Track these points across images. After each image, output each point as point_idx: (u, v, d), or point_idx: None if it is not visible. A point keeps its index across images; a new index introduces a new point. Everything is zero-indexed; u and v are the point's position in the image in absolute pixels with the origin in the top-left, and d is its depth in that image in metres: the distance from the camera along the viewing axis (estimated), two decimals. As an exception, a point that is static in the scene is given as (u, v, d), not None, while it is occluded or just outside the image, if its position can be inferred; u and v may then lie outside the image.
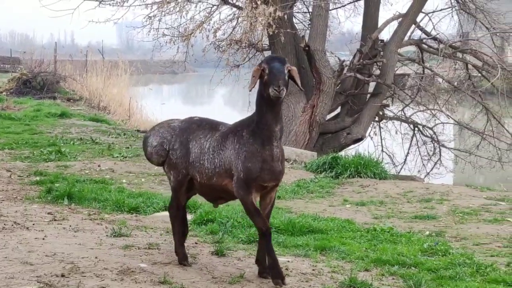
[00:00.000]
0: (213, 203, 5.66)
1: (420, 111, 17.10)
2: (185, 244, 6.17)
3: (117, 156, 12.49)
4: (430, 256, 6.31)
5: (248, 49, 16.30)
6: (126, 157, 12.47)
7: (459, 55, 16.58)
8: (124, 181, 10.18)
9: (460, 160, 16.84)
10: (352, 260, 6.07)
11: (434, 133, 16.65)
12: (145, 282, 4.87)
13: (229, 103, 39.03)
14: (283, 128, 5.21)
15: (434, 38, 16.03)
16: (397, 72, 16.88)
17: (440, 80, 17.96)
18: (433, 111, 16.67)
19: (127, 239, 6.27)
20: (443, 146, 16.79)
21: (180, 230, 5.59)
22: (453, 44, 16.13)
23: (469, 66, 16.68)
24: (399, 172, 16.18)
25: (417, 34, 16.76)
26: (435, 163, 16.55)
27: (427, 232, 7.63)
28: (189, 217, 7.42)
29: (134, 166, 11.62)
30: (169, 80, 52.02)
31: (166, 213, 7.71)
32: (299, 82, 5.05)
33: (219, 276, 5.19)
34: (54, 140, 14.06)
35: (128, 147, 13.82)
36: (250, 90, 5.03)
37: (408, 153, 16.84)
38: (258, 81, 4.94)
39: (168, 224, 7.08)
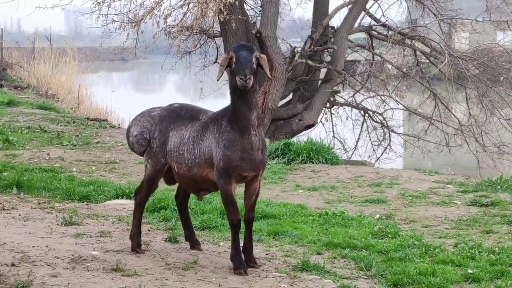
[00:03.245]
0: (196, 194, 5.55)
1: (370, 97, 17.29)
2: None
3: (67, 145, 12.31)
4: (380, 239, 6.43)
5: (200, 36, 16.17)
6: (76, 146, 12.30)
7: (408, 41, 16.78)
8: (74, 169, 10.04)
9: (409, 145, 17.12)
10: (304, 244, 6.14)
11: (384, 118, 16.87)
12: (97, 270, 4.83)
13: (181, 90, 38.75)
14: (260, 115, 5.19)
15: (384, 25, 16.20)
16: (348, 58, 17.00)
17: (389, 66, 18.18)
18: (383, 97, 16.87)
19: (79, 227, 6.19)
20: (393, 131, 17.03)
21: (140, 218, 5.56)
22: (402, 31, 16.34)
23: (418, 52, 16.92)
24: (350, 158, 16.37)
25: (367, 21, 16.91)
26: (385, 148, 16.78)
27: (378, 216, 7.77)
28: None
29: (84, 154, 11.47)
30: (119, 67, 51.33)
31: (118, 201, 7.69)
32: (267, 71, 5.02)
33: (173, 262, 5.18)
34: (1, 128, 13.75)
35: (78, 135, 13.62)
36: (217, 80, 5.03)
37: (358, 138, 17.02)
38: (228, 70, 4.89)
39: (120, 212, 7.04)
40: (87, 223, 6.44)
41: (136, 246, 5.44)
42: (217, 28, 15.27)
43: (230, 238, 6.02)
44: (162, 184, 9.06)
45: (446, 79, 16.10)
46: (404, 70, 17.51)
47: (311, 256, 5.65)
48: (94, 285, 4.48)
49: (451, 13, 16.93)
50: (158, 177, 5.40)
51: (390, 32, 15.62)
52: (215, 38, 16.31)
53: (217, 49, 16.61)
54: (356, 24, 15.95)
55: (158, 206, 7.17)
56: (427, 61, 17.28)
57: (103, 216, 6.86)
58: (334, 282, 4.93)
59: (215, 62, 16.67)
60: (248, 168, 4.93)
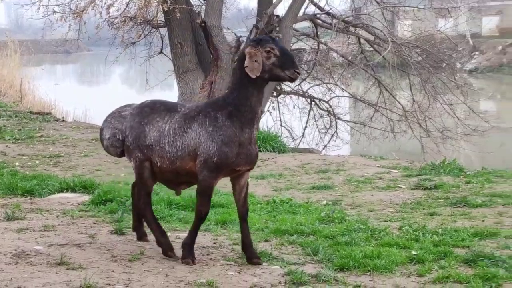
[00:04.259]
0: (175, 189, 5.37)
1: (317, 85, 17.42)
2: (83, 225, 6.07)
3: (9, 139, 12.02)
4: (327, 224, 6.50)
5: (144, 26, 15.95)
6: (18, 140, 12.02)
7: (352, 29, 16.95)
8: (17, 164, 9.82)
9: (355, 132, 17.33)
10: (252, 231, 6.11)
11: (330, 106, 17.02)
12: (41, 264, 4.73)
13: (126, 82, 38.31)
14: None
15: (328, 13, 16.29)
16: (293, 47, 17.06)
17: (334, 54, 18.33)
18: (328, 85, 17.02)
19: (22, 222, 6.06)
20: (339, 118, 17.20)
21: (154, 217, 5.34)
22: (346, 19, 16.46)
23: (362, 40, 17.10)
24: (297, 146, 16.48)
25: (311, 9, 16.99)
26: (332, 136, 16.93)
27: (324, 201, 7.85)
28: (87, 197, 7.28)
29: (27, 148, 11.23)
30: (62, 59, 50.32)
31: (63, 195, 7.55)
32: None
33: (119, 254, 5.12)
34: None
35: (20, 129, 13.32)
36: (255, 77, 4.71)
37: (306, 126, 17.13)
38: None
39: (64, 206, 6.92)
40: (30, 217, 6.30)
41: (169, 249, 5.14)
42: (161, 18, 15.08)
43: (177, 228, 6.04)
44: (108, 177, 8.96)
45: (389, 66, 16.31)
46: (349, 58, 17.70)
47: (259, 243, 5.66)
48: (38, 279, 4.39)
49: (394, 1, 17.17)
50: (145, 172, 5.14)
51: (334, 21, 15.71)
52: (160, 28, 16.12)
53: (162, 40, 16.44)
54: (300, 13, 15.99)
55: (104, 198, 7.07)
56: (371, 48, 17.48)
57: (47, 210, 6.72)
58: (281, 268, 4.95)
59: (160, 52, 16.52)
60: (243, 163, 4.88)
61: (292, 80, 4.91)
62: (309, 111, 17.24)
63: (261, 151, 11.65)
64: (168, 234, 5.82)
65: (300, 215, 6.92)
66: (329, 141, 16.97)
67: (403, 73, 16.86)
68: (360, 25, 16.68)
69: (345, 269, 4.93)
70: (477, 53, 42.46)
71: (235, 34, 16.62)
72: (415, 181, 9.05)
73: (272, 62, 4.74)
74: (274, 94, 16.81)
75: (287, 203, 7.51)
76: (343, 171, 9.98)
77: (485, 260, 4.99)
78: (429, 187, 8.57)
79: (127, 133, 5.19)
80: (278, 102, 17.24)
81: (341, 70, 17.98)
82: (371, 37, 16.88)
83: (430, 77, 16.25)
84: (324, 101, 17.07)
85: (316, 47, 17.12)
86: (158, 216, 6.47)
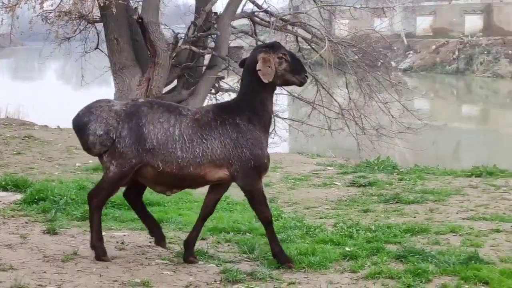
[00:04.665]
0: (164, 192, 5.17)
1: (255, 83, 17.46)
2: (14, 225, 5.93)
3: None
4: (264, 222, 6.52)
5: (79, 21, 15.63)
6: None
7: (290, 28, 17.07)
8: None
9: (293, 130, 17.47)
10: (189, 230, 6.10)
11: (269, 104, 17.10)
12: (-32, 266, 4.60)
13: (62, 77, 37.52)
14: None
15: (266, 11, 16.36)
16: (232, 44, 17.06)
17: (273, 52, 18.40)
18: (266, 82, 17.08)
19: (-51, 223, 5.86)
20: (277, 116, 17.24)
21: (99, 223, 5.04)
22: (284, 17, 16.57)
23: (299, 38, 17.24)
24: (237, 143, 16.46)
25: (250, 7, 17.02)
26: (270, 133, 17.00)
27: (262, 199, 7.87)
28: (19, 196, 7.10)
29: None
30: (-5, 54, 48.91)
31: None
32: None
33: (51, 254, 5.03)
34: None
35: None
36: (268, 81, 4.81)
37: (244, 124, 17.15)
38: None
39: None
40: (-41, 218, 6.10)
41: (102, 254, 4.96)
42: (97, 13, 14.83)
43: (112, 227, 5.97)
44: (41, 175, 8.76)
45: (326, 64, 16.49)
46: (288, 56, 17.80)
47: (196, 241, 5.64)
48: (-34, 282, 4.27)
49: (331, 0, 17.37)
50: (123, 180, 4.92)
51: (272, 19, 15.79)
52: (96, 24, 15.83)
53: (98, 35, 16.15)
54: (238, 10, 16.00)
55: (36, 197, 6.89)
56: (309, 47, 17.65)
57: (-23, 211, 6.52)
58: (217, 266, 4.96)
59: (96, 48, 16.24)
60: (268, 166, 4.98)
61: (301, 84, 5.09)
62: (248, 109, 17.24)
63: (199, 149, 11.62)
64: (103, 233, 5.76)
65: (237, 213, 6.95)
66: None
67: (339, 71, 17.08)
68: (298, 24, 16.81)
69: (280, 267, 4.96)
70: (411, 52, 43.48)
71: (173, 31, 16.47)
72: (350, 178, 9.20)
73: (283, 68, 4.90)
74: (213, 91, 16.78)
75: (224, 201, 7.48)
76: (280, 169, 10.06)
77: (416, 255, 5.12)
78: (363, 184, 8.73)
79: (123, 134, 4.82)
80: (216, 99, 17.21)
81: (279, 67, 18.05)
82: (309, 36, 17.03)
83: (366, 76, 16.51)
84: (262, 98, 17.10)
85: (255, 45, 17.16)
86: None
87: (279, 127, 17.69)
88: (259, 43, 17.19)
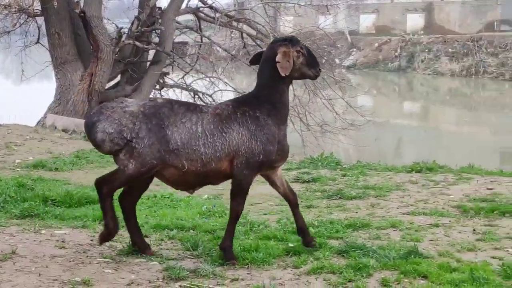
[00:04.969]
0: (187, 191, 5.20)
1: (200, 78, 17.43)
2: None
3: None
4: (208, 218, 6.53)
5: (19, 14, 15.32)
6: None
7: (235, 24, 17.09)
8: None
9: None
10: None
11: (214, 100, 17.07)
12: None
13: (1, 72, 36.57)
14: None
15: (211, 7, 16.35)
16: (176, 40, 16.98)
17: (218, 48, 18.41)
18: (212, 79, 17.06)
19: None
20: (223, 112, 17.29)
21: (113, 207, 5.02)
22: (229, 13, 16.59)
23: (244, 35, 17.28)
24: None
25: (195, 2, 16.98)
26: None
27: (206, 196, 7.87)
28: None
29: None
30: None
31: None
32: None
33: (-12, 254, 4.89)
34: None
35: None
36: (285, 74, 4.91)
37: (189, 120, 17.08)
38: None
39: None
40: None
41: (109, 236, 5.04)
42: (37, 6, 14.56)
43: (53, 225, 5.86)
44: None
45: (271, 61, 16.53)
46: (233, 52, 17.82)
47: (138, 239, 5.58)
48: None
49: (275, -3, 17.46)
50: (138, 179, 4.89)
51: (217, 14, 15.80)
52: (36, 17, 15.52)
53: (39, 29, 15.83)
54: (183, 6, 15.95)
55: (-26, 195, 6.71)
56: (254, 43, 17.70)
57: None
58: (160, 263, 4.92)
59: (37, 42, 15.91)
60: (279, 159, 5.08)
61: (316, 77, 5.21)
62: (193, 105, 17.17)
63: (142, 145, 11.51)
64: (43, 231, 5.67)
65: (181, 210, 6.91)
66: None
67: (284, 68, 17.21)
68: (243, 20, 16.86)
69: (224, 263, 4.96)
70: (354, 49, 44.07)
71: (116, 26, 16.32)
72: (295, 174, 9.26)
73: (301, 61, 5.03)
74: (157, 87, 16.65)
75: (168, 197, 7.46)
76: (225, 165, 10.03)
77: (357, 250, 5.18)
78: (307, 180, 8.80)
79: (141, 135, 4.76)
80: (161, 95, 17.08)
81: (224, 64, 18.08)
82: (254, 32, 17.10)
83: (310, 72, 16.67)
84: (207, 94, 17.09)
85: (199, 41, 17.12)
86: (32, 214, 6.28)
87: (224, 123, 17.72)
88: (204, 39, 17.21)
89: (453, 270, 4.76)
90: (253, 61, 5.32)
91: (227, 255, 5.00)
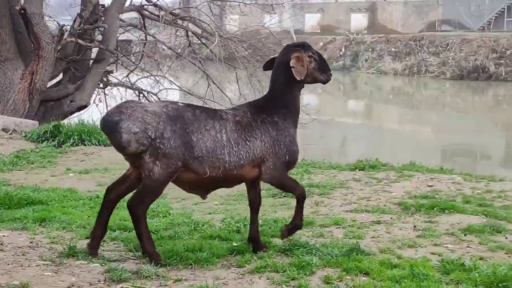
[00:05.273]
0: (202, 195, 5.19)
1: (145, 77, 17.29)
2: None
3: None
4: (152, 218, 6.46)
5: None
6: None
7: (180, 22, 17.00)
8: None
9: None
10: (73, 229, 5.96)
11: (159, 99, 16.94)
12: None
13: None
14: None
15: (155, 5, 16.22)
16: (120, 38, 16.79)
17: (163, 46, 18.29)
18: (157, 77, 16.94)
19: None
20: (169, 111, 17.17)
21: (149, 231, 4.97)
22: (174, 11, 16.49)
23: (190, 33, 17.21)
24: (125, 138, 16.22)
25: (139, 0, 16.80)
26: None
27: (150, 196, 7.78)
28: None
29: None
30: None
31: None
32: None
33: None
34: None
35: None
36: (300, 79, 5.06)
37: (134, 118, 16.89)
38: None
39: None
40: None
41: (159, 259, 4.88)
42: (-25, 3, 14.13)
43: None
44: None
45: (217, 59, 16.57)
46: (178, 50, 17.73)
47: (80, 241, 5.50)
48: None
49: (221, -4, 17.45)
50: (168, 181, 4.84)
51: (162, 13, 15.68)
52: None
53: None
54: (127, 3, 15.78)
55: None
56: (199, 42, 17.66)
57: None
58: (101, 265, 4.83)
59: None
60: (297, 160, 5.26)
61: (327, 81, 5.32)
62: (137, 103, 17.00)
63: (85, 145, 11.34)
64: (-20, 234, 5.51)
65: (124, 210, 6.79)
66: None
67: (230, 66, 17.22)
68: (188, 18, 16.78)
69: (167, 264, 4.92)
70: (300, 48, 44.37)
71: (58, 23, 16.00)
72: (240, 173, 9.25)
73: (313, 66, 5.20)
74: (101, 85, 16.42)
75: (111, 198, 7.35)
76: (169, 164, 9.96)
77: (300, 248, 5.21)
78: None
79: (166, 136, 4.69)
80: (105, 94, 16.87)
81: (169, 62, 17.97)
82: (199, 31, 17.05)
83: (256, 71, 16.74)
84: (152, 93, 16.97)
85: (144, 39, 16.97)
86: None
87: (170, 122, 17.60)
88: (149, 37, 17.04)
89: (394, 266, 4.84)
90: (266, 67, 5.43)
91: (296, 228, 5.32)
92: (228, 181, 5.04)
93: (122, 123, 4.67)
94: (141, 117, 4.70)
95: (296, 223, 5.32)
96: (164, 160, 4.71)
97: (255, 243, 5.28)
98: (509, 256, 5.24)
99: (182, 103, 5.08)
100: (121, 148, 4.74)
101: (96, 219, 5.11)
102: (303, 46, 5.20)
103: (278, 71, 5.17)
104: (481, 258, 5.11)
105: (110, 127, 4.74)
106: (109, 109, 4.97)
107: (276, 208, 7.19)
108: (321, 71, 5.26)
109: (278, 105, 5.12)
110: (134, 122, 4.67)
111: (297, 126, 5.28)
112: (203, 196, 5.24)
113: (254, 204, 5.35)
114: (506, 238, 5.77)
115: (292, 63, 5.06)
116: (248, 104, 5.25)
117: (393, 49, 39.30)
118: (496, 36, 37.46)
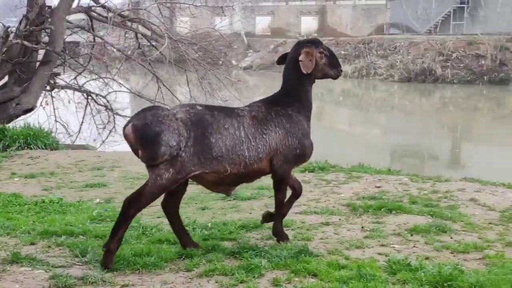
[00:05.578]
0: (226, 192, 5.34)
1: (93, 79, 17.02)
2: None
3: None
4: (98, 223, 6.38)
5: None
6: None
7: (129, 24, 16.81)
8: None
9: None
10: (17, 235, 5.83)
11: (108, 101, 16.74)
12: None
13: None
14: None
15: (103, 6, 15.99)
16: (68, 40, 16.50)
17: (113, 49, 18.06)
18: (106, 79, 16.71)
19: None
20: (117, 114, 16.98)
21: (124, 232, 4.98)
22: (122, 13, 16.29)
23: (139, 35, 17.03)
24: (74, 142, 15.99)
25: (87, 1, 16.55)
26: (110, 131, 16.67)
27: (97, 200, 7.69)
28: None
29: None
30: None
31: None
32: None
33: None
34: None
35: None
36: (306, 72, 5.27)
37: (82, 122, 16.66)
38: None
39: None
40: None
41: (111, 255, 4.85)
42: None
43: None
44: None
45: (167, 62, 16.46)
46: (128, 52, 17.54)
47: (24, 247, 5.38)
48: None
49: (171, -3, 17.33)
50: (172, 187, 4.91)
51: (110, 14, 15.45)
52: None
53: None
54: (74, 4, 15.51)
55: None
56: (149, 44, 17.49)
57: None
58: (46, 272, 4.74)
59: None
60: (310, 154, 5.37)
61: (337, 77, 5.52)
62: (86, 106, 16.79)
63: (31, 149, 11.12)
64: None
65: (71, 215, 6.71)
66: (107, 137, 16.68)
67: (180, 69, 17.11)
68: (137, 20, 16.60)
69: (114, 269, 4.84)
70: (251, 51, 44.51)
71: (3, 24, 15.62)
72: (190, 176, 9.19)
73: (323, 62, 5.41)
74: (48, 88, 16.10)
75: (57, 203, 7.23)
76: (118, 168, 9.85)
77: (249, 251, 5.20)
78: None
79: (189, 144, 4.78)
80: (52, 96, 16.55)
81: (118, 64, 17.76)
82: (149, 33, 16.88)
83: (207, 74, 16.68)
84: (101, 96, 16.73)
85: (92, 41, 16.71)
86: None
87: (120, 125, 17.37)
88: (97, 39, 16.79)
89: (342, 267, 4.88)
90: (279, 62, 5.62)
91: (281, 237, 5.51)
92: (249, 176, 5.19)
93: (163, 135, 4.67)
94: (177, 129, 4.74)
95: (275, 230, 5.55)
96: (178, 168, 4.77)
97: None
98: (454, 256, 5.34)
99: (200, 105, 5.15)
100: (153, 159, 4.72)
101: (174, 231, 5.36)
102: (314, 43, 5.44)
103: (289, 66, 5.41)
104: (427, 258, 5.19)
105: (150, 138, 4.66)
106: (141, 115, 4.76)
107: (226, 210, 7.18)
108: (331, 67, 5.46)
109: (291, 99, 5.32)
110: (172, 135, 4.70)
111: (309, 121, 5.41)
112: (228, 193, 5.42)
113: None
114: (451, 237, 5.88)
115: (301, 57, 5.29)
116: (262, 100, 5.43)
117: (342, 52, 39.76)
118: (442, 39, 38.26)
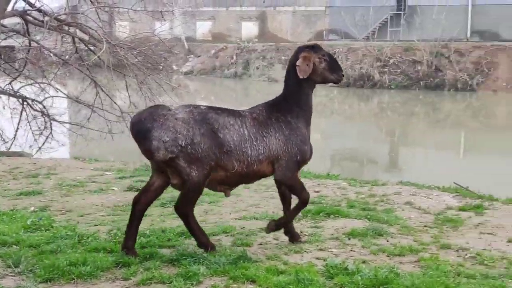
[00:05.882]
0: (225, 192, 5.49)
1: (29, 84, 16.62)
2: None
3: None
4: (33, 232, 6.22)
5: None
6: None
7: (66, 28, 16.48)
8: None
9: (72, 133, 16.91)
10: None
11: (44, 107, 16.37)
12: None
13: None
14: None
15: (39, 10, 15.63)
16: (2, 44, 16.08)
17: (50, 53, 17.67)
18: (42, 85, 16.33)
19: None
20: (54, 119, 16.63)
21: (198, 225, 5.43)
22: (59, 17, 15.96)
23: (77, 39, 16.73)
24: (9, 149, 15.58)
25: (22, 5, 16.15)
26: (47, 138, 16.31)
27: (32, 208, 7.50)
28: None
29: None
30: None
31: None
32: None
33: None
34: None
35: None
36: (303, 77, 5.35)
37: (18, 128, 16.25)
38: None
39: None
40: None
41: (213, 247, 5.44)
42: None
43: None
44: None
45: (105, 67, 16.21)
46: (66, 57, 17.20)
47: (-47, 258, 5.18)
48: None
49: (109, 2, 17.08)
50: (206, 179, 5.17)
51: (46, 18, 15.12)
52: None
53: None
54: (9, 8, 15.11)
55: None
56: (87, 48, 17.19)
57: None
58: (-23, 284, 4.59)
59: None
60: (309, 158, 5.49)
61: (338, 81, 5.59)
62: (21, 112, 16.39)
63: (-37, 156, 10.75)
64: None
65: (4, 224, 6.51)
66: (43, 143, 16.32)
67: (120, 74, 16.87)
68: (74, 24, 16.29)
69: (48, 280, 4.72)
70: (192, 56, 44.35)
71: None
72: (128, 182, 9.10)
73: (323, 67, 5.48)
74: (-20, 93, 15.64)
75: (-12, 211, 7.01)
76: (54, 175, 9.65)
77: (188, 258, 5.17)
78: (141, 188, 8.65)
79: (196, 141, 5.05)
80: (-15, 102, 16.08)
81: (55, 69, 17.40)
82: (87, 37, 16.59)
83: (147, 79, 16.50)
84: (37, 101, 16.36)
85: (28, 45, 16.32)
86: None
87: (57, 131, 17.02)
88: (33, 43, 16.40)
89: (280, 272, 4.90)
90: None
91: (292, 234, 5.77)
92: (249, 176, 5.36)
93: (153, 131, 5.04)
94: (173, 126, 5.05)
95: (287, 220, 5.71)
96: (198, 163, 5.08)
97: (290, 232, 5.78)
98: (390, 259, 5.43)
99: (204, 106, 5.35)
100: (149, 154, 5.11)
101: (127, 230, 5.34)
102: (313, 48, 5.53)
103: (289, 71, 5.53)
104: (363, 262, 5.26)
105: (141, 133, 5.09)
106: (140, 112, 5.28)
107: (165, 217, 7.11)
108: (331, 71, 5.53)
109: (291, 104, 5.43)
110: (165, 132, 5.04)
111: (309, 125, 5.52)
112: (227, 193, 5.54)
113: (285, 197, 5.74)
114: (387, 241, 5.98)
115: (298, 62, 5.39)
116: (263, 104, 5.52)
117: (283, 57, 40.01)
118: (380, 45, 38.97)
